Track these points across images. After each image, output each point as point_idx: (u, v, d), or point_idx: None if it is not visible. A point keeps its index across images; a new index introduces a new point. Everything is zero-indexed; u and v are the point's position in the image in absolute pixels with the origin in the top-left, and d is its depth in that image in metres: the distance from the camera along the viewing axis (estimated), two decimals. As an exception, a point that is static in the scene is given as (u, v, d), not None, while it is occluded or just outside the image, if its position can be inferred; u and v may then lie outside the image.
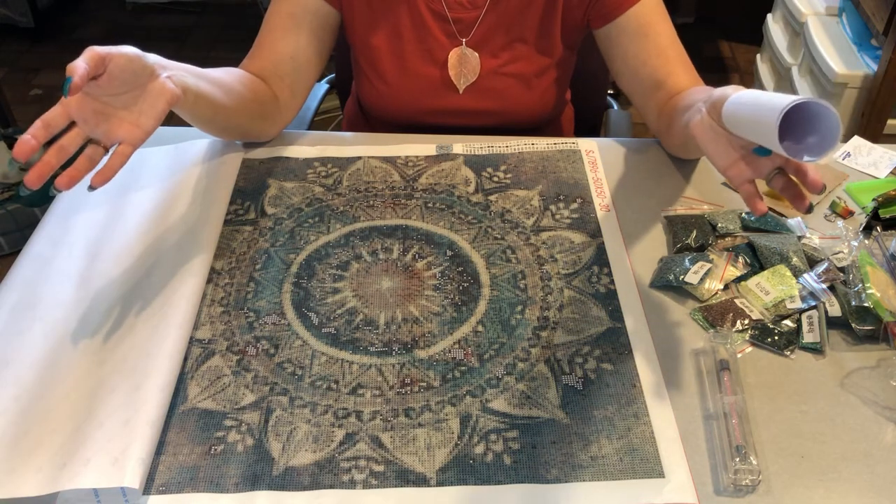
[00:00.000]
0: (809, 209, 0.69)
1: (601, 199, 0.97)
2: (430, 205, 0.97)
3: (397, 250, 0.91)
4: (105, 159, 0.73)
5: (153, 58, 0.78)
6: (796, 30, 2.09)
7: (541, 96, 1.13)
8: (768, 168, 0.71)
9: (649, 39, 1.02)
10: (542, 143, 1.06)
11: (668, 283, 0.85)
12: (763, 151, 0.70)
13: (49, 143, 0.70)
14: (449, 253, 0.90)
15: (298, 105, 1.09)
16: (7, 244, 2.07)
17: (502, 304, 0.84)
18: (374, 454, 0.70)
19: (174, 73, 0.80)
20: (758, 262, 0.87)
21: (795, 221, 0.93)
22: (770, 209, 0.96)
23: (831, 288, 0.82)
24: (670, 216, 0.94)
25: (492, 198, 0.98)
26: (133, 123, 0.74)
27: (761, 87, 2.31)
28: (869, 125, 1.78)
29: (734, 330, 0.80)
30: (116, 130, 0.73)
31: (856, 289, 0.80)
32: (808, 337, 0.79)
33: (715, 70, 2.81)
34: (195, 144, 1.05)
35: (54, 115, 0.70)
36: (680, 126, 0.89)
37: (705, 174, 1.02)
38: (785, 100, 0.63)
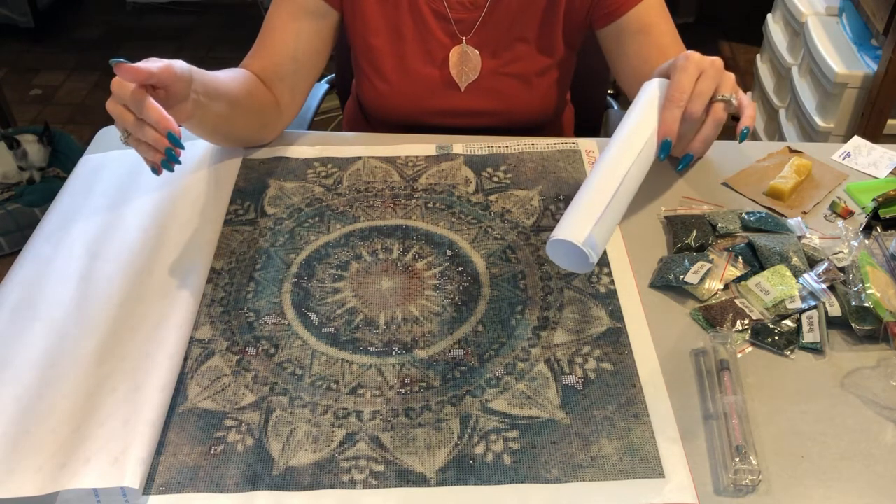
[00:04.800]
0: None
1: (601, 199, 0.97)
2: (430, 205, 0.97)
3: (397, 250, 0.91)
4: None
5: (194, 74, 0.84)
6: (796, 30, 2.09)
7: (542, 96, 1.13)
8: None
9: (651, 38, 1.02)
10: (542, 143, 1.06)
11: (668, 283, 0.85)
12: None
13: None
14: (449, 253, 0.90)
15: (298, 107, 1.10)
16: (7, 244, 2.07)
17: (502, 304, 0.84)
18: (374, 454, 0.70)
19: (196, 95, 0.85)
20: (758, 262, 0.87)
21: (795, 221, 0.93)
22: (770, 209, 0.96)
23: (831, 288, 0.82)
24: (670, 216, 0.94)
25: (492, 198, 0.98)
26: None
27: (761, 87, 2.31)
28: (869, 125, 1.78)
29: (734, 330, 0.80)
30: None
31: (856, 289, 0.80)
32: (808, 337, 0.79)
33: (715, 70, 2.80)
34: (195, 144, 1.05)
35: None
36: None
37: (705, 174, 1.02)
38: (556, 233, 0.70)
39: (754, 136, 2.28)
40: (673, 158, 1.00)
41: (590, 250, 0.68)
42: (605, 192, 0.71)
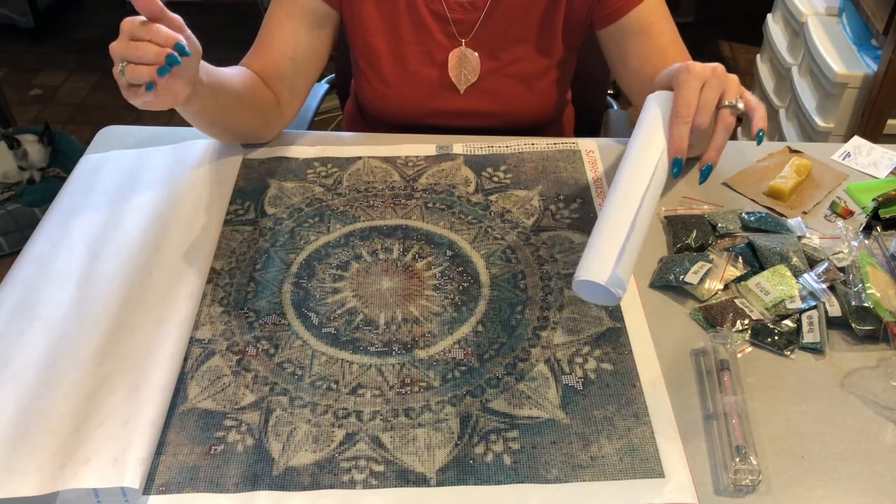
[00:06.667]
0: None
1: (601, 199, 0.97)
2: (430, 205, 0.97)
3: (397, 250, 0.91)
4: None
5: (202, 66, 0.84)
6: (796, 30, 2.09)
7: (541, 97, 1.13)
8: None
9: (651, 39, 1.02)
10: (542, 143, 1.06)
11: (668, 283, 0.85)
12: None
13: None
14: (449, 253, 0.90)
15: (298, 106, 1.09)
16: (7, 244, 2.07)
17: (502, 304, 0.84)
18: (374, 454, 0.70)
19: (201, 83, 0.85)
20: (758, 262, 0.87)
21: (795, 221, 0.93)
22: (770, 209, 0.96)
23: (831, 288, 0.82)
24: (670, 216, 0.94)
25: (492, 198, 0.98)
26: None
27: (761, 87, 2.31)
28: (869, 125, 1.78)
29: (734, 330, 0.80)
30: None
31: (856, 289, 0.80)
32: (808, 337, 0.79)
33: (715, 70, 2.80)
34: (195, 144, 1.05)
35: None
36: None
37: (705, 174, 1.02)
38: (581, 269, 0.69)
39: (754, 136, 2.27)
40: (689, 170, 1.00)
41: (616, 288, 0.68)
42: (622, 224, 0.71)
